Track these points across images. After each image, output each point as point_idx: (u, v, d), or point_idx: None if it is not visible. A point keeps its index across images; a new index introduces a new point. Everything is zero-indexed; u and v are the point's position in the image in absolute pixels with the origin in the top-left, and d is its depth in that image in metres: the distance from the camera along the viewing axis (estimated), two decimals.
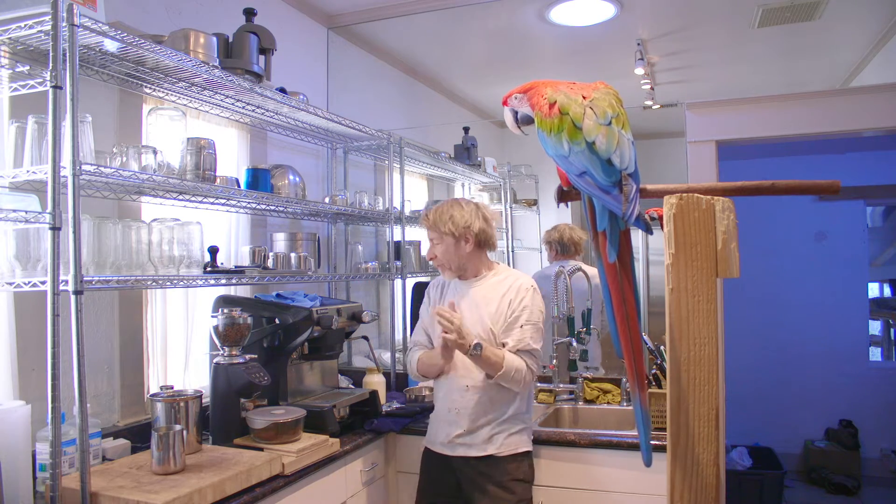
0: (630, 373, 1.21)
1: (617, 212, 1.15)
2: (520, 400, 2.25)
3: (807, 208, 5.26)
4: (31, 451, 1.78)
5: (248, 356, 2.27)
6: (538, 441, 2.55)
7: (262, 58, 2.45)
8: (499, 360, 2.11)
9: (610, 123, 1.18)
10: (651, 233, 1.22)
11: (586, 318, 3.23)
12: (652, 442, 2.38)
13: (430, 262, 2.34)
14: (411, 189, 3.78)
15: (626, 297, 1.20)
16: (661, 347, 2.58)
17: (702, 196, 1.18)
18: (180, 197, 2.28)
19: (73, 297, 1.61)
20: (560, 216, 3.82)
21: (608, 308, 1.23)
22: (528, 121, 1.35)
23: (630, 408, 2.95)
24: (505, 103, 1.39)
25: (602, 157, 1.16)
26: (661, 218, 1.20)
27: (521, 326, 2.18)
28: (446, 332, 2.05)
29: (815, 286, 5.24)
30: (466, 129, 3.91)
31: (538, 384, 3.12)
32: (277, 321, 2.41)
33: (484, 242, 2.26)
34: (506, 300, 2.21)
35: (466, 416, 2.21)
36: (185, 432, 1.92)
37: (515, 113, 1.37)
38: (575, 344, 3.11)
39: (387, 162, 3.32)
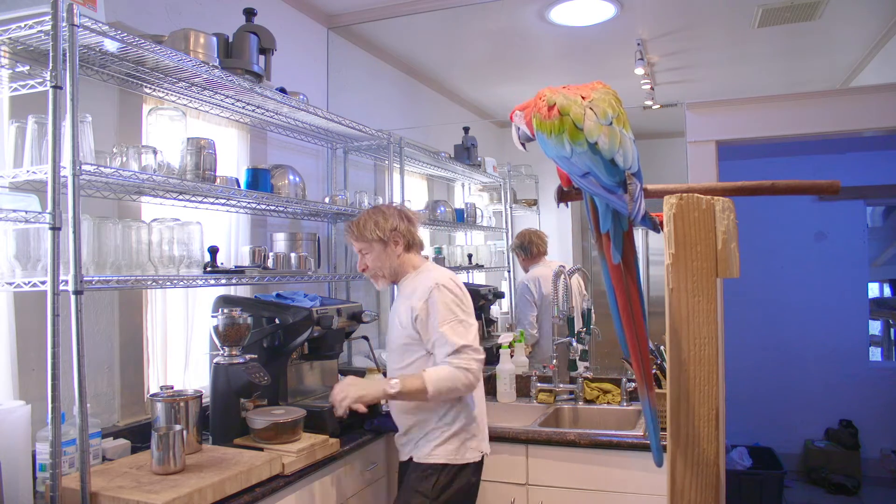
0: (638, 374, 1.20)
1: (623, 211, 1.14)
2: (448, 407, 2.14)
3: (807, 208, 5.26)
4: (31, 451, 1.78)
5: (248, 356, 2.27)
6: (538, 441, 2.55)
7: (262, 58, 2.45)
8: (420, 386, 2.02)
9: (611, 123, 1.17)
10: (659, 231, 1.22)
11: (586, 318, 3.23)
12: None
13: (364, 274, 2.29)
14: (411, 189, 3.78)
15: (631, 298, 1.19)
16: (661, 347, 2.58)
17: (702, 196, 1.18)
18: (180, 197, 2.28)
19: (73, 297, 1.61)
20: (560, 216, 3.83)
21: (613, 310, 1.22)
22: (528, 138, 1.36)
23: (630, 408, 2.95)
24: (511, 118, 1.39)
25: (605, 158, 1.15)
26: (661, 222, 1.20)
27: (438, 330, 2.06)
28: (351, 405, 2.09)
29: (815, 286, 5.24)
30: (466, 129, 3.91)
31: (538, 384, 3.12)
32: (277, 321, 2.41)
33: (412, 243, 2.24)
34: (408, 305, 2.15)
35: (400, 418, 2.23)
36: (185, 432, 1.92)
37: (518, 129, 1.38)
38: (575, 344, 3.12)
39: (387, 162, 3.32)
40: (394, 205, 2.30)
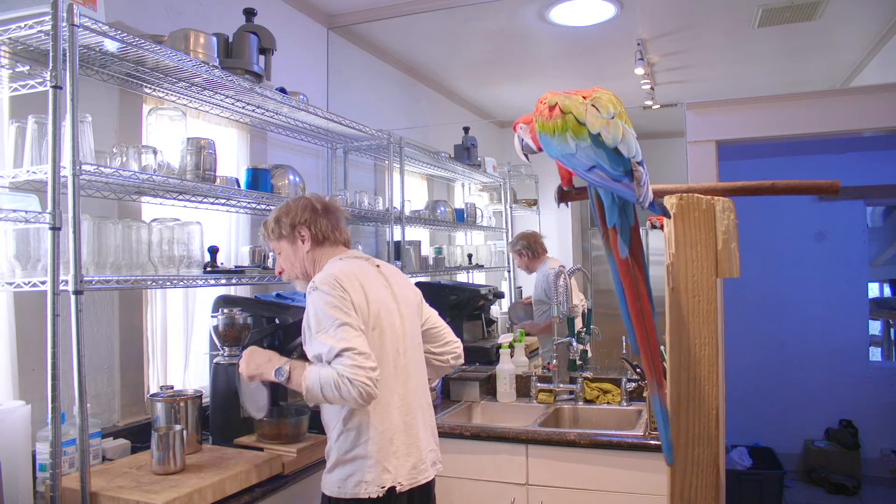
0: (647, 370, 1.19)
1: (631, 199, 1.14)
2: (342, 428, 1.79)
3: (807, 208, 5.26)
4: (31, 451, 1.78)
5: None
6: (538, 441, 2.55)
7: (262, 58, 2.45)
8: (300, 380, 1.72)
9: (612, 118, 1.18)
10: (669, 216, 1.22)
11: (586, 318, 3.23)
12: (652, 442, 2.40)
13: (281, 278, 2.04)
14: (411, 189, 3.78)
15: (640, 292, 1.19)
16: (662, 347, 2.58)
17: (702, 196, 1.18)
18: (180, 197, 2.28)
19: (73, 297, 1.61)
20: (560, 216, 3.83)
21: (622, 305, 1.21)
22: (532, 151, 1.36)
23: (630, 408, 2.95)
24: (515, 129, 1.39)
25: (609, 148, 1.15)
26: (661, 225, 1.20)
27: (315, 340, 1.73)
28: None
29: (815, 286, 5.23)
30: (466, 129, 3.91)
31: (538, 384, 3.12)
32: (277, 321, 2.41)
33: (323, 236, 1.94)
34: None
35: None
36: (185, 432, 1.92)
37: (522, 140, 1.38)
38: (575, 344, 3.12)
39: (387, 162, 3.32)
40: (308, 195, 2.01)
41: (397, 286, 1.96)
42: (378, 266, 1.97)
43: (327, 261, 1.92)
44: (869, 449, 4.99)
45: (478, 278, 4.19)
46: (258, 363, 1.85)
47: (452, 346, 2.11)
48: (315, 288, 1.76)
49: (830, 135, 3.10)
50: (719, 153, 3.08)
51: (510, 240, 3.91)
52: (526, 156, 1.39)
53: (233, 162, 2.77)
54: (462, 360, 2.16)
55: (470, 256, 3.93)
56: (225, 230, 2.72)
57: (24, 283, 1.67)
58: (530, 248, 3.66)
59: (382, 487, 1.75)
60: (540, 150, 1.30)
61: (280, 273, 2.00)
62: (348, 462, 1.77)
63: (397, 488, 1.78)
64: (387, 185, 3.31)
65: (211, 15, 2.70)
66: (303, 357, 2.69)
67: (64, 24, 1.61)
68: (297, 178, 2.75)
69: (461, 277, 4.05)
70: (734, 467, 4.47)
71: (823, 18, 3.29)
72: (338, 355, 1.66)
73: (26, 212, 1.62)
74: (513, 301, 4.01)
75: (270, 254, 2.58)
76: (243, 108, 2.58)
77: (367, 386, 1.64)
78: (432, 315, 2.10)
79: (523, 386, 3.19)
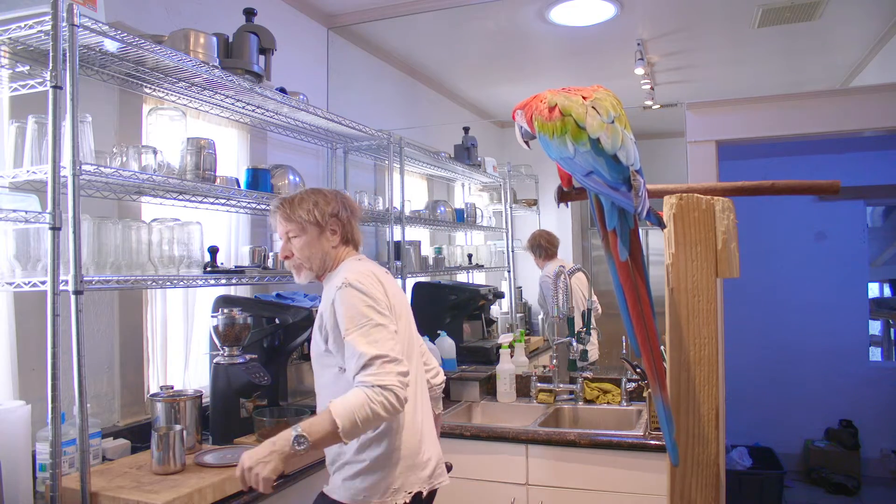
0: (650, 372, 1.19)
1: (628, 208, 1.14)
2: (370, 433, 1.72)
3: (807, 208, 5.26)
4: (31, 451, 1.78)
5: (248, 356, 2.27)
6: (538, 441, 2.55)
7: (262, 58, 2.45)
8: (330, 427, 1.56)
9: (612, 122, 1.18)
10: (664, 227, 1.22)
11: (586, 318, 3.23)
12: (652, 442, 2.40)
13: (285, 263, 1.93)
14: (411, 189, 3.78)
15: (640, 294, 1.19)
16: (662, 347, 2.58)
17: (702, 196, 1.18)
18: (180, 197, 2.28)
19: (73, 297, 1.61)
20: (560, 216, 3.83)
21: (622, 307, 1.21)
22: (531, 136, 1.36)
23: (630, 408, 2.95)
24: (513, 117, 1.39)
25: (608, 154, 1.15)
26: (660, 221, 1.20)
27: (345, 340, 1.67)
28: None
29: (815, 286, 5.23)
30: (466, 129, 3.91)
31: (538, 384, 3.12)
32: (277, 321, 2.41)
33: (349, 237, 1.91)
34: (321, 310, 1.81)
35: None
36: (185, 432, 1.92)
37: (521, 127, 1.38)
38: (575, 344, 3.12)
39: (387, 162, 3.32)
40: (334, 190, 1.97)
41: (400, 293, 1.97)
42: (387, 272, 1.95)
43: (345, 260, 1.88)
44: (869, 449, 4.99)
45: (478, 278, 4.20)
46: (267, 463, 1.56)
47: (434, 365, 2.10)
48: (349, 285, 1.70)
49: (830, 135, 3.10)
50: (719, 153, 3.08)
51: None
52: (526, 143, 1.39)
53: (233, 162, 2.77)
54: (442, 382, 2.11)
55: (470, 256, 3.93)
56: (225, 230, 2.72)
57: (24, 283, 1.67)
58: (537, 248, 3.70)
59: (410, 493, 1.73)
60: (536, 136, 1.30)
61: (287, 257, 1.88)
62: (374, 469, 1.72)
63: (423, 493, 1.77)
64: (387, 185, 3.31)
65: (211, 15, 2.70)
66: (304, 358, 2.67)
67: (64, 24, 1.61)
68: (297, 178, 2.75)
69: (461, 277, 4.05)
70: (734, 467, 4.47)
71: (823, 18, 3.29)
72: (366, 364, 1.60)
73: (26, 212, 1.62)
74: (513, 301, 4.01)
75: (271, 254, 2.58)
76: (243, 108, 2.58)
77: (400, 388, 1.59)
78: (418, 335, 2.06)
79: (523, 386, 3.19)
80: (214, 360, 2.28)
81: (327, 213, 1.85)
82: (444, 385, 2.12)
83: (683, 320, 1.16)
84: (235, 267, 2.41)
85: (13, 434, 1.70)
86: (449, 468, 1.98)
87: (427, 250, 3.78)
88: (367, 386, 1.58)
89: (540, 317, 4.00)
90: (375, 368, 1.59)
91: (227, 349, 2.23)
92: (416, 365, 1.90)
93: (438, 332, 3.37)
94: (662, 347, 1.24)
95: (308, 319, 2.40)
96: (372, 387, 1.57)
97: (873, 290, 5.48)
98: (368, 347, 1.62)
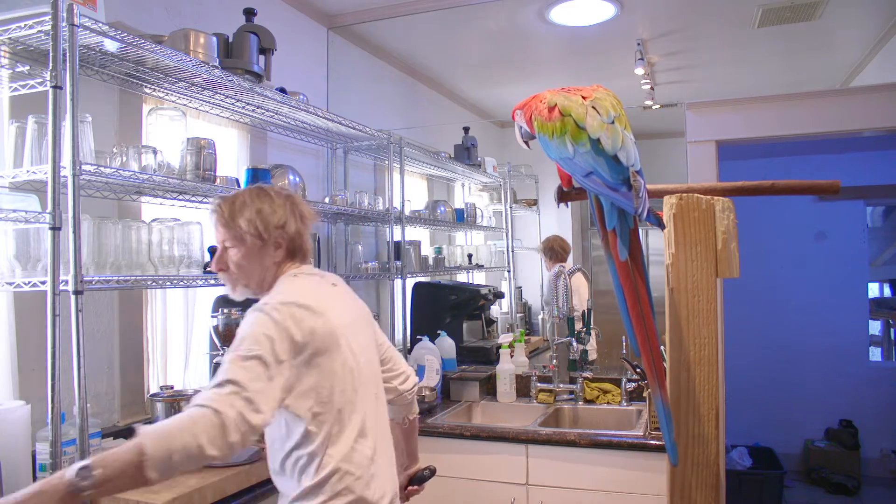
0: (649, 372, 1.19)
1: (628, 209, 1.13)
2: (304, 453, 1.44)
3: (807, 208, 5.26)
4: (31, 451, 1.78)
5: None
6: (538, 441, 2.55)
7: (262, 58, 2.45)
8: (129, 455, 1.17)
9: (612, 122, 1.17)
10: (664, 227, 1.22)
11: (586, 318, 3.23)
12: (652, 442, 2.40)
13: (218, 275, 1.62)
14: (411, 189, 3.78)
15: (640, 294, 1.19)
16: (662, 347, 2.58)
17: (702, 196, 1.18)
18: (180, 197, 2.28)
19: (73, 297, 1.61)
20: (560, 216, 3.83)
21: (622, 307, 1.21)
22: (531, 136, 1.36)
23: (630, 408, 2.95)
24: (513, 117, 1.39)
25: (608, 155, 1.15)
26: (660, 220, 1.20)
27: (229, 350, 1.40)
28: None
29: (815, 286, 5.23)
30: (466, 129, 3.91)
31: (538, 384, 3.12)
32: None
33: (295, 250, 1.60)
34: None
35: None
36: None
37: (521, 128, 1.38)
38: (575, 344, 3.12)
39: (387, 162, 3.32)
40: (284, 192, 1.63)
41: (356, 307, 1.69)
42: (334, 285, 1.66)
43: (282, 275, 1.58)
44: (869, 449, 4.99)
45: (478, 278, 4.19)
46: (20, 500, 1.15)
47: (401, 370, 1.81)
48: (262, 311, 1.42)
49: (830, 135, 3.11)
50: (719, 153, 3.09)
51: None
52: (526, 143, 1.39)
53: (233, 162, 2.77)
54: (414, 386, 1.83)
55: (470, 256, 3.93)
56: None
57: (24, 283, 1.67)
58: (549, 251, 3.74)
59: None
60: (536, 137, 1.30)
61: (219, 270, 1.59)
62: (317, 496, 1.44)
63: None
64: (387, 185, 3.31)
65: (211, 15, 2.70)
66: None
67: (64, 24, 1.61)
68: (297, 178, 2.75)
69: (461, 277, 4.05)
70: (734, 467, 4.47)
71: (823, 18, 3.30)
72: (220, 384, 1.29)
73: (26, 212, 1.62)
74: (513, 301, 4.01)
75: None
76: (243, 108, 2.58)
77: (234, 429, 1.23)
78: (385, 339, 1.81)
79: (523, 386, 3.19)
80: (214, 360, 2.28)
81: (272, 225, 1.54)
82: (415, 389, 1.84)
83: (683, 320, 1.17)
84: None
85: (13, 434, 1.70)
86: (433, 472, 1.84)
87: (427, 250, 3.78)
88: (198, 405, 1.25)
89: (540, 317, 4.00)
90: (222, 391, 1.27)
91: (226, 349, 2.23)
92: (373, 381, 1.63)
93: (438, 332, 3.37)
94: (662, 347, 1.24)
95: None
96: (204, 406, 1.24)
97: (873, 290, 5.48)
98: (232, 370, 1.31)
